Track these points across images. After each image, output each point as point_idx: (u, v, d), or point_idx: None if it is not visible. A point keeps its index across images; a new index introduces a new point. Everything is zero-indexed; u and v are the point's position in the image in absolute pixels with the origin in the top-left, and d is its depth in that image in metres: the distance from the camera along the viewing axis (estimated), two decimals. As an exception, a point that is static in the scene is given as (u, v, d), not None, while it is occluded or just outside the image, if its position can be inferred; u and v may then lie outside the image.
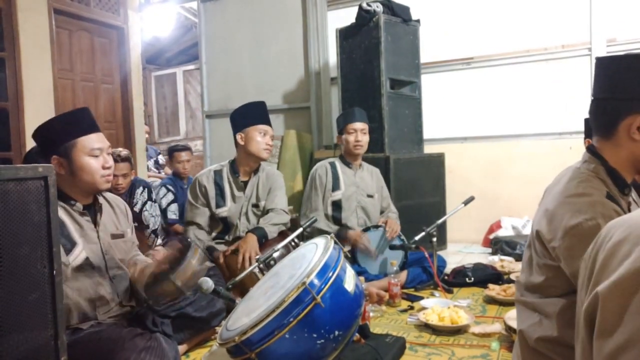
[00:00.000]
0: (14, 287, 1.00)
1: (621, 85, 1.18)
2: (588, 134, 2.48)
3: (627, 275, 0.56)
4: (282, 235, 2.66)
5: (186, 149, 4.10)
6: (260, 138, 2.66)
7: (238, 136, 2.69)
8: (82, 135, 1.66)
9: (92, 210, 1.76)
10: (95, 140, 1.68)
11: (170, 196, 3.76)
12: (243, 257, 2.40)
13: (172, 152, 4.09)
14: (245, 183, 2.74)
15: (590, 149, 1.27)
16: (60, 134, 1.66)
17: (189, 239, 1.83)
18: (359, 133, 3.05)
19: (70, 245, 1.63)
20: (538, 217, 1.26)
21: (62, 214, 1.65)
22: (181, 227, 3.47)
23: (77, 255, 1.64)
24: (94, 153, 1.67)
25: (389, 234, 2.93)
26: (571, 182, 1.22)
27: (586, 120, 2.47)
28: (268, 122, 2.73)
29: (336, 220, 3.04)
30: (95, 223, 1.75)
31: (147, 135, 5.73)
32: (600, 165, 1.21)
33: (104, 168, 1.69)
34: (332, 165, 3.13)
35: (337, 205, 3.05)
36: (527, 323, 1.25)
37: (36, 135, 1.71)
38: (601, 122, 1.23)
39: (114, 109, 4.83)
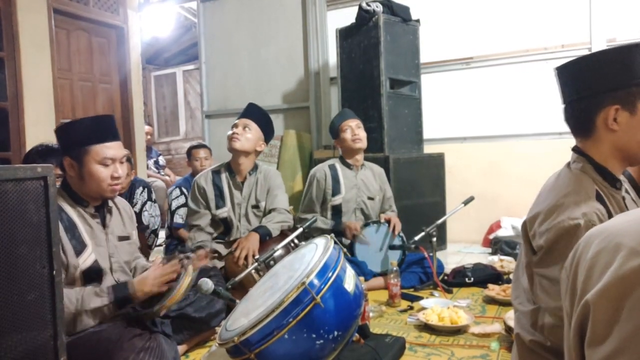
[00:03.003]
0: (12, 287, 1.00)
1: (587, 83, 1.23)
2: None
3: (612, 282, 0.57)
4: (282, 235, 2.65)
5: (204, 146, 4.09)
6: (230, 131, 2.67)
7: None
8: (98, 143, 1.67)
9: (102, 212, 1.78)
10: (109, 149, 1.69)
11: (182, 200, 3.72)
12: (240, 254, 2.38)
13: (190, 150, 4.07)
14: (243, 183, 2.74)
15: (575, 149, 1.30)
16: (78, 138, 1.67)
17: (188, 254, 1.82)
18: (354, 128, 3.03)
19: (81, 247, 1.65)
20: (528, 218, 1.28)
21: (74, 215, 1.68)
22: (186, 233, 3.46)
23: (87, 257, 1.65)
24: (105, 162, 1.67)
25: (393, 231, 2.93)
26: (561, 182, 1.25)
27: None
28: (245, 116, 2.71)
29: (334, 223, 3.03)
30: (104, 225, 1.77)
31: (149, 137, 5.72)
32: (588, 163, 1.24)
33: (112, 178, 1.69)
34: (332, 168, 3.07)
35: (336, 210, 3.03)
36: (522, 328, 1.27)
37: (57, 132, 1.74)
38: (578, 123, 1.27)
39: (113, 109, 4.82)
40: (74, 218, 1.67)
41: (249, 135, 2.66)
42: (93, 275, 1.67)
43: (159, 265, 1.73)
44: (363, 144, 3.05)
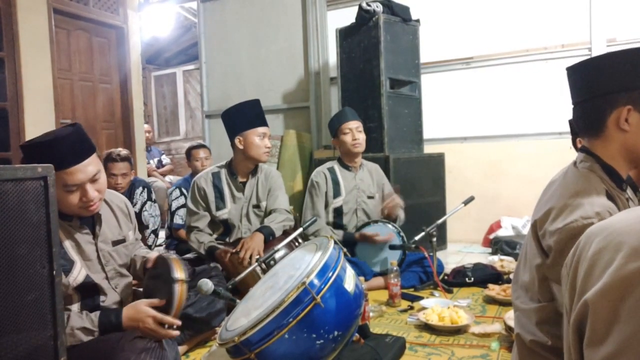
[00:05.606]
0: (12, 287, 1.00)
1: (600, 83, 1.23)
2: (576, 133, 2.50)
3: (612, 282, 0.56)
4: (284, 235, 2.65)
5: (204, 146, 4.08)
6: (259, 141, 2.62)
7: (236, 140, 2.63)
8: (58, 170, 1.45)
9: (91, 221, 1.69)
10: (70, 175, 1.50)
11: (182, 200, 3.71)
12: (245, 254, 2.38)
13: (189, 150, 4.06)
14: (244, 184, 2.73)
15: (583, 149, 1.30)
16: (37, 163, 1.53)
17: (175, 276, 1.53)
18: (355, 131, 2.99)
19: (69, 265, 1.59)
20: (535, 216, 1.27)
21: (59, 232, 1.54)
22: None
23: (77, 274, 1.60)
24: (70, 189, 1.52)
25: (388, 207, 2.95)
26: (569, 181, 1.24)
27: (570, 122, 2.49)
28: (265, 123, 2.69)
29: (338, 225, 3.02)
30: (94, 235, 1.68)
31: (148, 135, 5.72)
32: (596, 163, 1.24)
33: (81, 201, 1.55)
34: (331, 170, 3.07)
35: (338, 212, 3.03)
36: (522, 328, 1.27)
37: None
38: (589, 122, 1.26)
39: (113, 109, 4.82)
40: (59, 235, 1.53)
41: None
42: (89, 288, 1.61)
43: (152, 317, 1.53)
44: (362, 148, 3.03)
